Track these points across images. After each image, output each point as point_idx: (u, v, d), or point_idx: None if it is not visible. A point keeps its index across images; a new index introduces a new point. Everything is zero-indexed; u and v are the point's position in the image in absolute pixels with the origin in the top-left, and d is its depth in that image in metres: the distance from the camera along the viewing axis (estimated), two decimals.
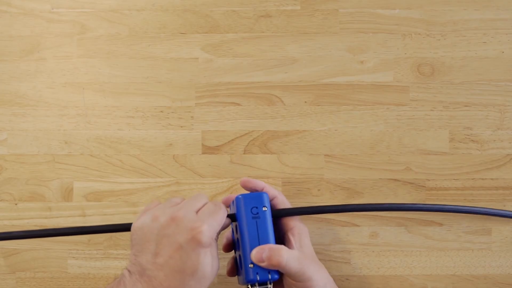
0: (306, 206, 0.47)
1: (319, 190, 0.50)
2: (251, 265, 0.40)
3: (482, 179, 0.50)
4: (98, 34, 0.51)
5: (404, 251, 0.50)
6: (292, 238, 0.42)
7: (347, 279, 0.50)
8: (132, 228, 0.40)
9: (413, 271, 0.50)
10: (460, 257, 0.50)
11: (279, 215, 0.44)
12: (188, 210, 0.39)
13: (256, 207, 0.42)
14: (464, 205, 0.50)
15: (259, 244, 0.41)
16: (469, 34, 0.51)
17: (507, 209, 0.50)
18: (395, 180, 0.50)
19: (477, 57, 0.51)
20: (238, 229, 0.42)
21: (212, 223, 0.38)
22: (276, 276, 0.40)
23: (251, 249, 0.40)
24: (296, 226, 0.43)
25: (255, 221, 0.41)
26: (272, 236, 0.41)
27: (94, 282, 0.50)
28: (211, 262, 0.38)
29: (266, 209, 0.42)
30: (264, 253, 0.40)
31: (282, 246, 0.40)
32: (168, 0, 0.51)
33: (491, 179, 0.50)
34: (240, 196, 0.42)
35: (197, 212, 0.39)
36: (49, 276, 0.50)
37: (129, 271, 0.38)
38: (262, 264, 0.40)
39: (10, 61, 0.51)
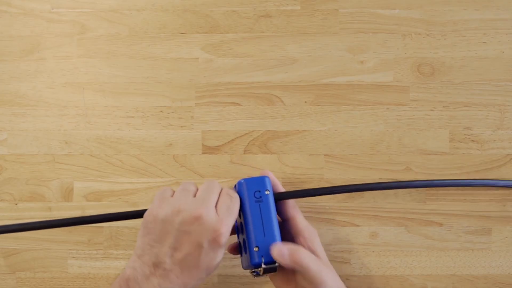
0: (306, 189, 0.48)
1: None
2: (256, 248, 0.41)
3: (482, 179, 0.50)
4: (98, 34, 0.51)
5: (404, 251, 0.50)
6: (304, 241, 0.42)
7: (347, 279, 0.50)
8: (150, 215, 0.40)
9: (413, 271, 0.50)
10: (460, 257, 0.50)
11: (281, 198, 0.44)
12: (209, 207, 0.39)
13: (259, 191, 0.42)
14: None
15: (263, 227, 0.41)
16: (469, 34, 0.51)
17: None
18: (395, 180, 0.50)
19: (477, 57, 0.51)
20: (241, 213, 0.42)
21: (230, 221, 0.39)
22: None
23: (255, 232, 0.41)
24: (306, 228, 0.43)
25: (258, 204, 0.42)
26: (275, 219, 0.42)
27: (94, 282, 0.50)
28: (222, 256, 0.40)
29: (268, 192, 0.42)
30: (284, 250, 0.40)
31: (300, 247, 0.41)
32: (168, 0, 0.51)
33: (491, 179, 0.50)
34: (242, 181, 0.43)
35: (215, 206, 0.40)
36: (49, 276, 0.50)
37: (141, 262, 0.38)
38: (283, 260, 0.40)
39: (10, 61, 0.51)
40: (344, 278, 0.50)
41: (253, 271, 0.42)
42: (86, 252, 0.50)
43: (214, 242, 0.38)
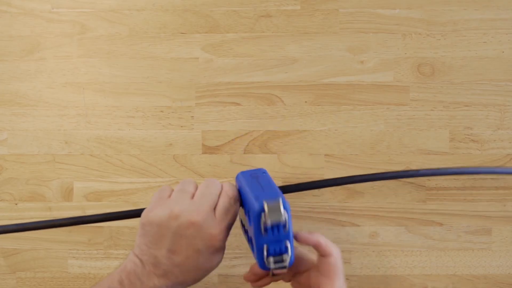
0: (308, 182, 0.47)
1: (319, 190, 0.50)
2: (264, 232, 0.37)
3: (482, 179, 0.50)
4: (98, 34, 0.51)
5: (404, 251, 0.50)
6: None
7: (347, 279, 0.50)
8: (146, 218, 0.39)
9: (413, 271, 0.50)
10: (460, 257, 0.50)
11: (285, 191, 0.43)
12: (206, 211, 0.38)
13: (256, 174, 0.41)
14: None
15: (263, 192, 0.38)
16: (469, 34, 0.51)
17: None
18: (395, 180, 0.50)
19: (477, 57, 0.51)
20: (244, 208, 0.40)
21: (229, 224, 0.39)
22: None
23: (256, 197, 0.37)
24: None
25: (255, 180, 0.40)
26: (275, 186, 0.39)
27: (95, 282, 0.50)
28: (222, 256, 0.39)
29: (265, 174, 0.41)
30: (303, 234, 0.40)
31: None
32: (168, 0, 0.51)
33: (491, 179, 0.50)
34: (240, 174, 0.42)
35: (214, 208, 0.39)
36: (49, 276, 0.50)
37: (140, 260, 0.38)
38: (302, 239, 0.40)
39: (10, 61, 0.51)
40: (344, 278, 0.50)
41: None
42: (86, 252, 0.50)
43: (212, 246, 0.38)
